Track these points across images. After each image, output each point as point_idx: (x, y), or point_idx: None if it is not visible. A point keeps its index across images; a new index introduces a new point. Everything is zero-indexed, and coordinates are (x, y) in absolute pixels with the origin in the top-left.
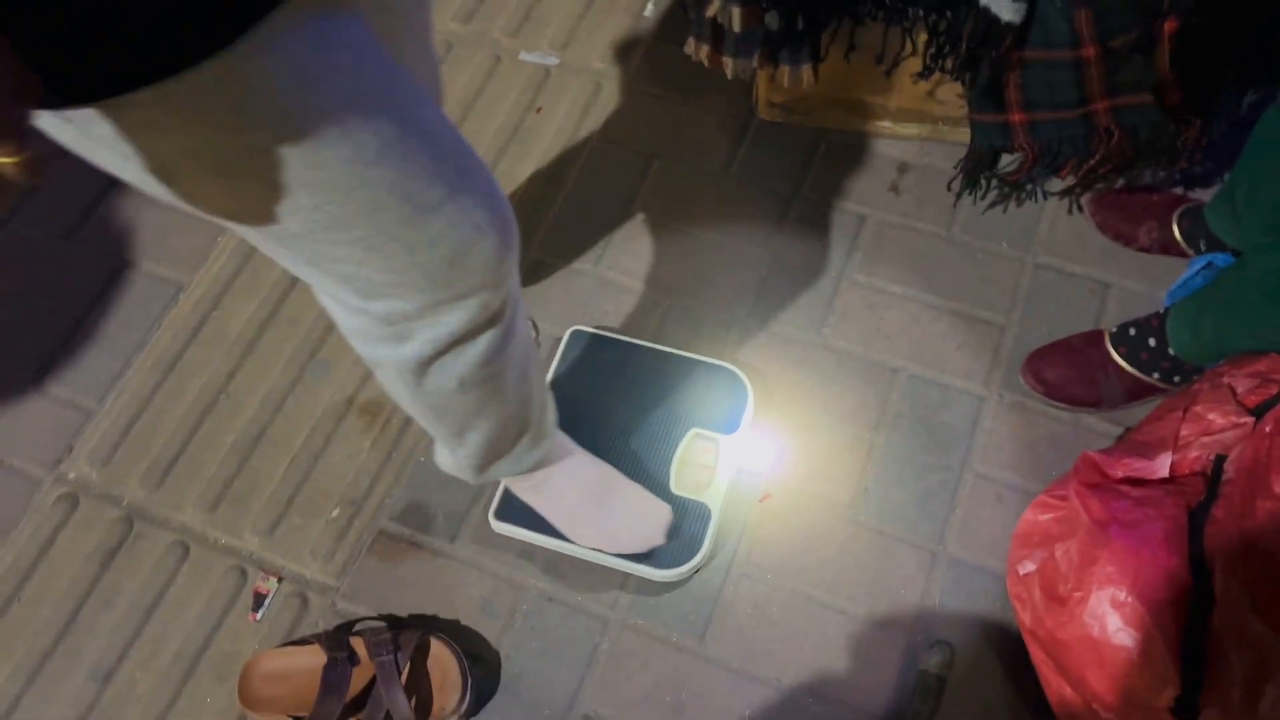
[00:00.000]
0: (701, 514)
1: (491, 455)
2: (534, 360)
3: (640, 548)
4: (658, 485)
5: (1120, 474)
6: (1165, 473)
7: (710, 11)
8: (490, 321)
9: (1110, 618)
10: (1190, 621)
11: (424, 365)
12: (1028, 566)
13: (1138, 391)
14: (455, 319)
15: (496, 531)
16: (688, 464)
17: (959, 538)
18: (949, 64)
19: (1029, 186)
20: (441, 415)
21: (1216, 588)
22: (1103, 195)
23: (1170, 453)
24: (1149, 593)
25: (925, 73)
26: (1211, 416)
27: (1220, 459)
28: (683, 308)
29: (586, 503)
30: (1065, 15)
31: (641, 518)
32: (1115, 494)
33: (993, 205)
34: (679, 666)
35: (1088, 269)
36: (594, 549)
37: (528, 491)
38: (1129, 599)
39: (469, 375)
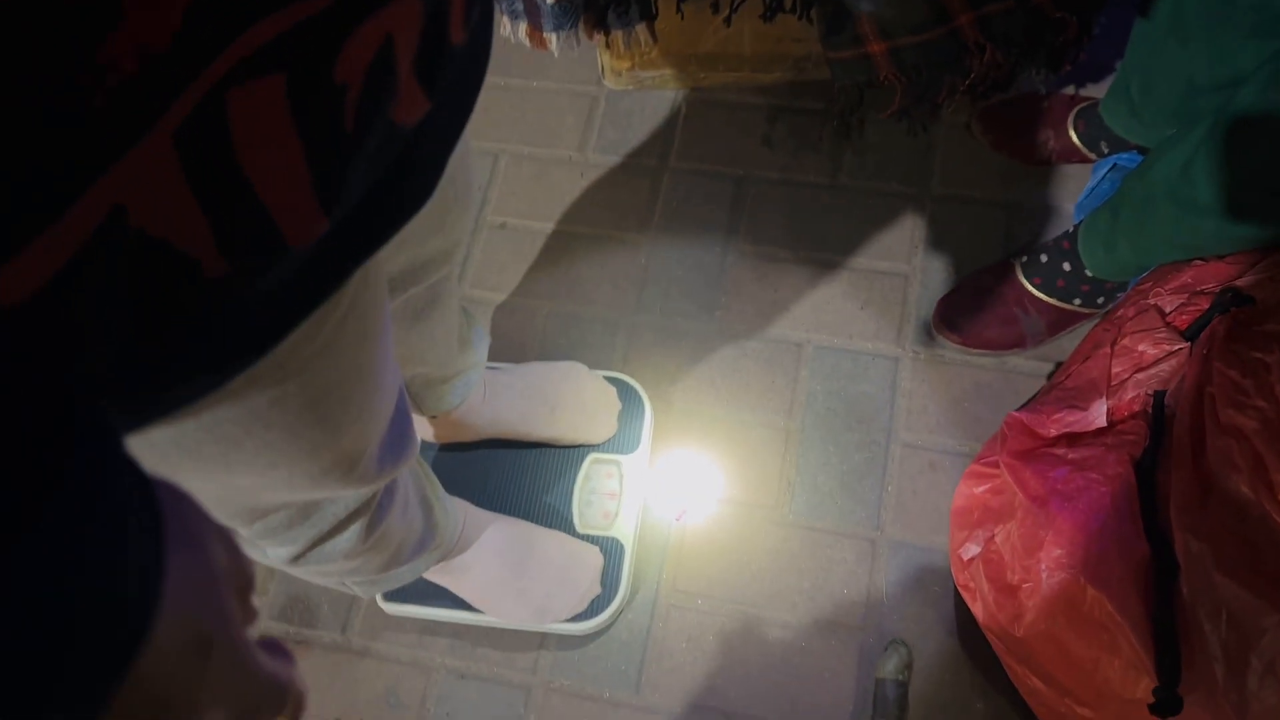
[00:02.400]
0: (614, 550)
1: (383, 573)
2: (416, 491)
3: (580, 606)
4: (560, 527)
5: (1053, 432)
6: (1103, 421)
7: None
8: (356, 515)
9: (1065, 608)
10: (1156, 594)
11: (293, 562)
12: (971, 550)
13: (1061, 322)
14: (314, 529)
15: (389, 614)
16: (590, 496)
17: (896, 519)
18: (789, 2)
19: (908, 118)
20: (327, 577)
21: (1178, 549)
22: (991, 112)
23: (1104, 398)
24: (1104, 571)
25: (768, 14)
26: (1142, 348)
27: (1159, 395)
28: (562, 315)
29: (506, 575)
30: None
31: (571, 572)
32: (1050, 460)
33: (876, 144)
34: None
35: (988, 194)
36: (529, 625)
37: (437, 575)
38: (1083, 583)
39: (342, 557)
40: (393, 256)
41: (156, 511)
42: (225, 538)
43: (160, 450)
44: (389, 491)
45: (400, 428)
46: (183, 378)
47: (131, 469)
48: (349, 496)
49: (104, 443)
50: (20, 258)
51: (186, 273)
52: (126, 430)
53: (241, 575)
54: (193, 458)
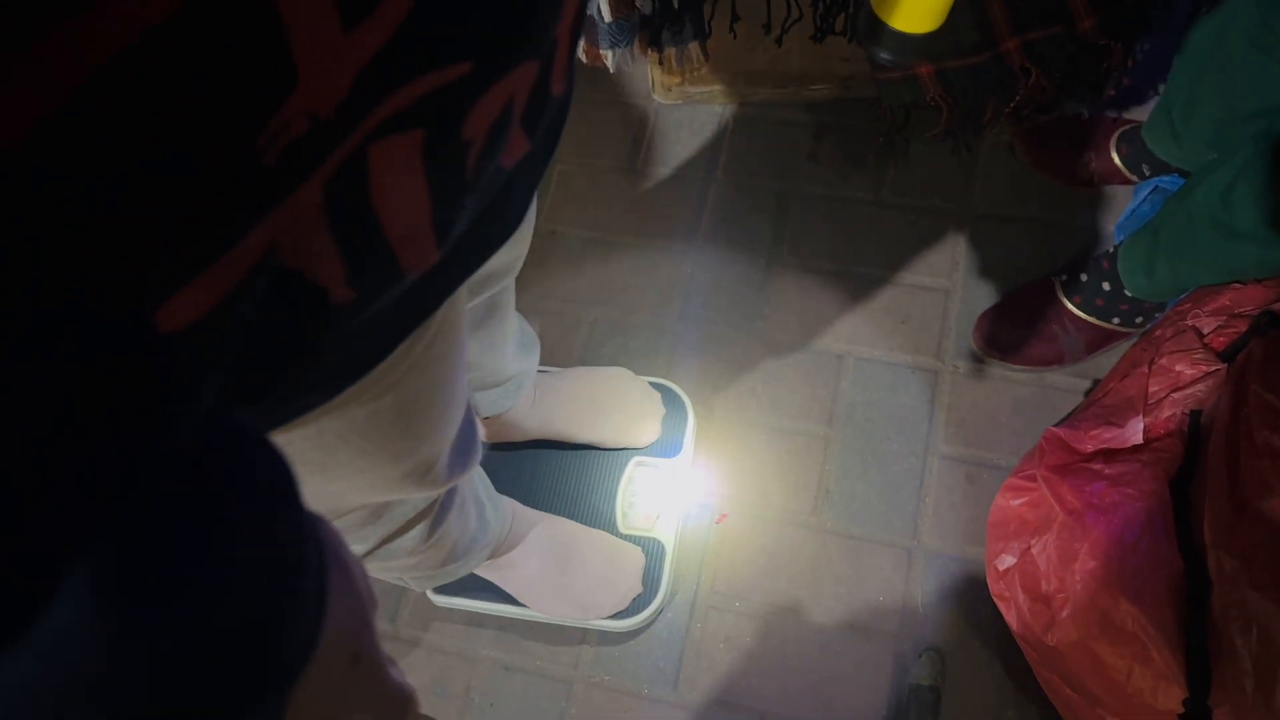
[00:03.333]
0: (656, 550)
1: (439, 569)
2: (471, 492)
3: (622, 604)
4: (604, 527)
5: (1090, 448)
6: (1139, 439)
7: None
8: (421, 516)
9: (1098, 618)
10: (1188, 608)
11: (361, 559)
12: (1006, 561)
13: (1099, 340)
14: (383, 529)
15: (438, 605)
16: (633, 498)
17: (934, 528)
18: (839, 24)
19: (952, 138)
20: (388, 572)
21: (1210, 566)
22: (1034, 132)
23: (1141, 416)
24: (1138, 584)
25: (818, 35)
26: (1179, 368)
27: (1195, 415)
28: (608, 322)
29: (551, 572)
30: None
31: (614, 570)
32: (1087, 475)
33: (920, 162)
34: None
35: (1030, 213)
36: (572, 621)
37: (486, 571)
38: (1116, 595)
39: (405, 554)
40: None
41: (321, 540)
42: (360, 564)
43: None
44: (450, 493)
45: (467, 435)
46: (299, 392)
47: (301, 502)
48: (417, 499)
49: (286, 473)
50: (187, 290)
51: (315, 300)
52: None
53: (371, 597)
54: (296, 463)
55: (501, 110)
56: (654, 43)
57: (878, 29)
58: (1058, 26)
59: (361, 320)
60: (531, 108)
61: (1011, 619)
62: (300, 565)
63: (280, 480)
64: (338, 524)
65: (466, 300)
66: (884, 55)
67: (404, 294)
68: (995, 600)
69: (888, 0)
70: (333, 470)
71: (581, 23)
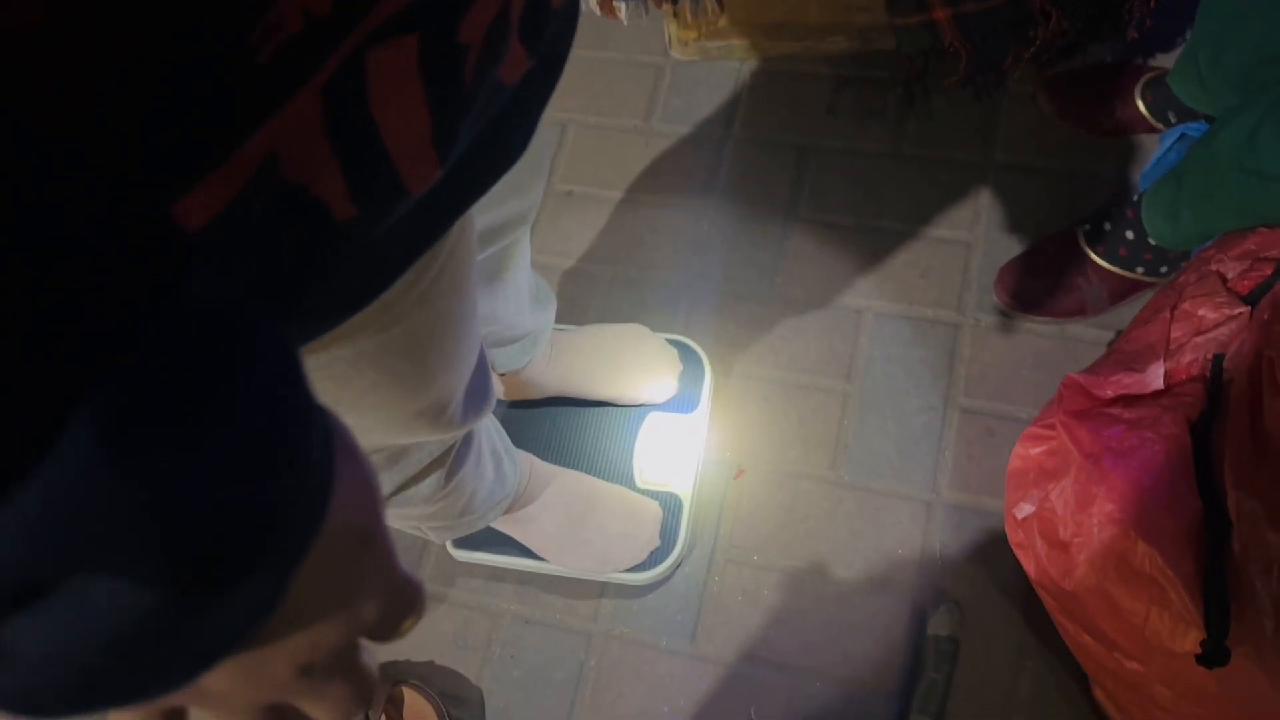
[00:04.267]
0: (673, 505)
1: (457, 520)
2: (488, 444)
3: (640, 557)
4: (621, 482)
5: (1110, 393)
6: (1160, 384)
7: None
8: (436, 464)
9: (1116, 562)
10: (1207, 551)
11: None
12: (1025, 509)
13: (1123, 290)
14: (400, 474)
15: (459, 560)
16: (650, 453)
17: (953, 481)
18: None
19: (973, 86)
20: (405, 521)
21: (1230, 507)
22: (1057, 80)
23: (1162, 360)
24: (1155, 527)
25: None
26: (1202, 312)
27: (1219, 358)
28: (625, 279)
29: (570, 526)
30: None
31: (632, 524)
32: (1106, 419)
33: (941, 114)
34: (673, 672)
35: (1053, 163)
36: (591, 574)
37: (505, 525)
38: (1134, 538)
39: (422, 501)
40: (475, 218)
41: (328, 418)
42: (369, 459)
43: None
44: (465, 442)
45: (481, 379)
46: (307, 315)
47: (306, 379)
48: (432, 444)
49: (293, 352)
50: (194, 193)
51: (318, 216)
52: None
53: (381, 490)
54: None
55: (496, 12)
56: None
57: None
58: None
59: (368, 240)
60: (530, 17)
61: (1030, 567)
62: (306, 427)
63: (286, 354)
64: None
65: (479, 247)
66: None
67: (409, 215)
68: (1014, 549)
69: None
70: (346, 402)
71: None
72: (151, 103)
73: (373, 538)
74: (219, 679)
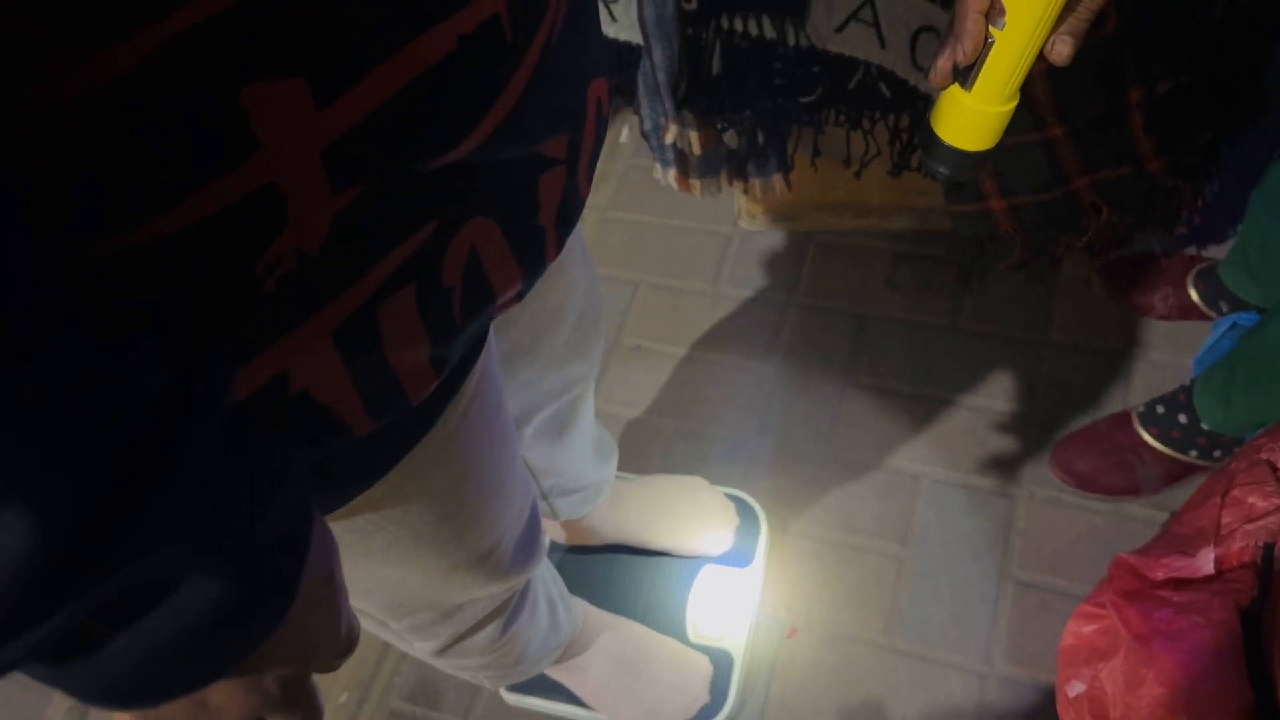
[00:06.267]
0: (724, 661)
1: (512, 668)
2: (544, 593)
3: (690, 712)
4: (674, 635)
5: (1160, 576)
6: (1210, 569)
7: (669, 138)
8: (493, 616)
9: None
10: None
11: (436, 655)
12: (1076, 688)
13: (1177, 472)
14: (455, 627)
15: (510, 704)
16: (704, 606)
17: (1007, 654)
18: (914, 160)
19: (1027, 270)
20: (462, 670)
21: None
22: (1112, 266)
23: (1212, 546)
24: (1206, 713)
25: (895, 170)
26: (1252, 500)
27: (1269, 547)
28: (687, 433)
29: (620, 677)
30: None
31: (682, 679)
32: (1156, 601)
33: (998, 290)
34: None
35: (1107, 344)
36: None
37: (556, 672)
38: None
39: (478, 653)
40: (539, 380)
41: (306, 489)
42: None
43: None
44: (522, 595)
45: (532, 532)
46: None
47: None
48: (486, 599)
49: (286, 451)
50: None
51: (339, 434)
52: None
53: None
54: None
55: (467, 258)
56: (740, 174)
57: (933, 144)
58: (1127, 167)
59: (371, 440)
60: (519, 246)
61: None
62: (301, 494)
63: (284, 452)
64: (409, 621)
65: (543, 404)
66: (941, 170)
67: (405, 416)
68: None
69: (944, 118)
70: (375, 555)
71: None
72: (168, 319)
73: (334, 576)
74: (221, 691)
